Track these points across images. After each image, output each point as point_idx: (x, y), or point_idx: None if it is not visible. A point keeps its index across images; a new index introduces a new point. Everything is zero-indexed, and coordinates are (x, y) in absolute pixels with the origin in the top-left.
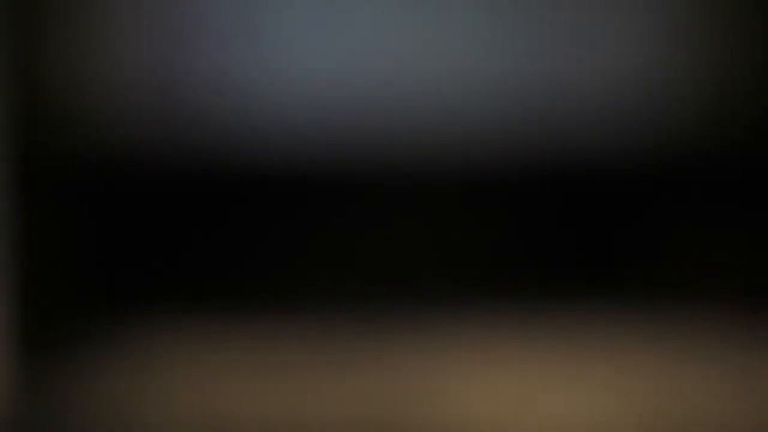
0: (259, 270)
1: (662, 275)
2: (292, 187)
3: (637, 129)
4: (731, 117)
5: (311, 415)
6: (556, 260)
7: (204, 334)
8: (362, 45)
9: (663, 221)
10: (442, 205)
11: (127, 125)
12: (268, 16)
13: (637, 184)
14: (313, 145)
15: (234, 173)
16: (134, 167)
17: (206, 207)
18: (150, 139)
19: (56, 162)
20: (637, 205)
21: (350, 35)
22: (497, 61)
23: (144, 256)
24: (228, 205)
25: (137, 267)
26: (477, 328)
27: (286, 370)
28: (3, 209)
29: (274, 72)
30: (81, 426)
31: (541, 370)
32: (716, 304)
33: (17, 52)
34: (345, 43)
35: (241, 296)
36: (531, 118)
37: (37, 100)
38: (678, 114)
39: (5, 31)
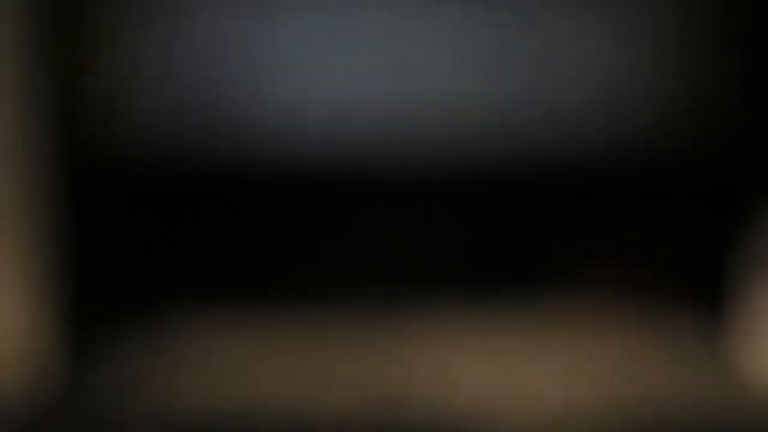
0: (275, 268)
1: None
2: (300, 193)
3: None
4: (653, 154)
5: (320, 391)
6: (526, 263)
7: (228, 321)
8: (364, 70)
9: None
10: (429, 209)
11: (162, 142)
12: (286, 47)
13: (602, 190)
14: (319, 155)
15: (251, 181)
16: (171, 173)
17: (235, 212)
18: (184, 153)
19: (103, 175)
20: (582, 215)
21: (356, 63)
22: (474, 101)
23: (174, 254)
24: (255, 212)
25: (169, 264)
26: (465, 313)
27: (297, 353)
28: (56, 217)
29: (288, 93)
30: (121, 397)
31: (511, 351)
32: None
33: (71, 76)
34: (352, 70)
35: (260, 290)
36: (504, 147)
37: (84, 120)
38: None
39: (58, 60)
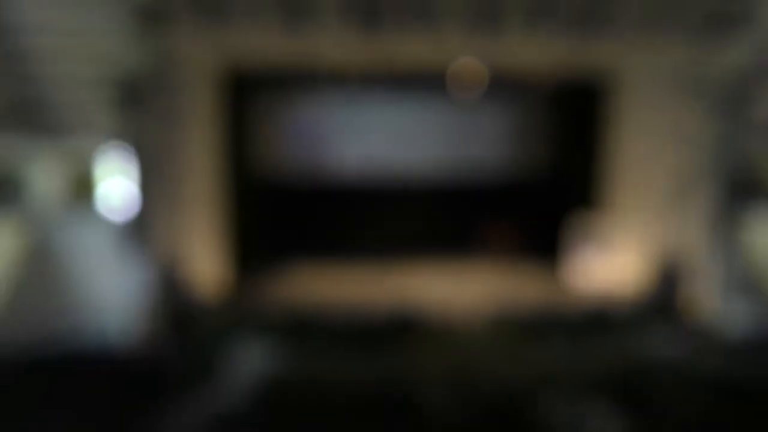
0: (341, 236)
1: (497, 242)
2: (352, 197)
3: (489, 180)
4: (525, 179)
5: (359, 296)
6: (459, 237)
7: (316, 266)
8: (378, 143)
9: (500, 218)
10: (413, 207)
11: (285, 171)
12: (345, 128)
13: (492, 201)
14: (360, 178)
15: (327, 192)
16: (287, 188)
17: (316, 207)
18: (298, 176)
19: (255, 183)
20: (490, 210)
21: (375, 139)
22: (434, 152)
23: (291, 232)
24: (326, 207)
25: (287, 237)
26: (431, 261)
27: (351, 278)
28: (236, 211)
29: (342, 155)
30: (260, 305)
31: (454, 278)
32: (516, 253)
33: (250, 149)
34: (374, 144)
35: (331, 248)
36: (447, 174)
37: (266, 163)
38: (504, 175)
39: (241, 139)
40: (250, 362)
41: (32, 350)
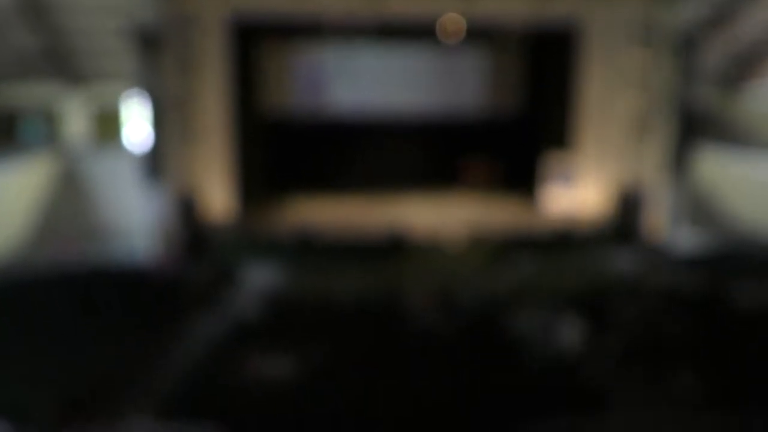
0: (338, 169)
1: (474, 176)
2: (348, 135)
3: (468, 120)
4: (501, 119)
5: (356, 222)
6: (443, 170)
7: (315, 196)
8: (371, 87)
9: (475, 155)
10: (402, 144)
11: (288, 112)
12: (342, 71)
13: (469, 139)
14: (355, 117)
15: (326, 130)
16: (291, 126)
17: (316, 144)
18: (299, 116)
19: (260, 123)
20: (471, 146)
21: (369, 83)
22: (421, 95)
23: (293, 166)
24: (325, 144)
25: (290, 170)
26: (419, 192)
27: (347, 206)
28: (235, 144)
29: (340, 97)
30: (265, 228)
31: (439, 206)
32: (492, 187)
33: (255, 92)
34: (367, 87)
35: (329, 180)
36: (433, 114)
37: (269, 104)
38: (479, 116)
39: (253, 84)
40: (259, 276)
41: (65, 267)
